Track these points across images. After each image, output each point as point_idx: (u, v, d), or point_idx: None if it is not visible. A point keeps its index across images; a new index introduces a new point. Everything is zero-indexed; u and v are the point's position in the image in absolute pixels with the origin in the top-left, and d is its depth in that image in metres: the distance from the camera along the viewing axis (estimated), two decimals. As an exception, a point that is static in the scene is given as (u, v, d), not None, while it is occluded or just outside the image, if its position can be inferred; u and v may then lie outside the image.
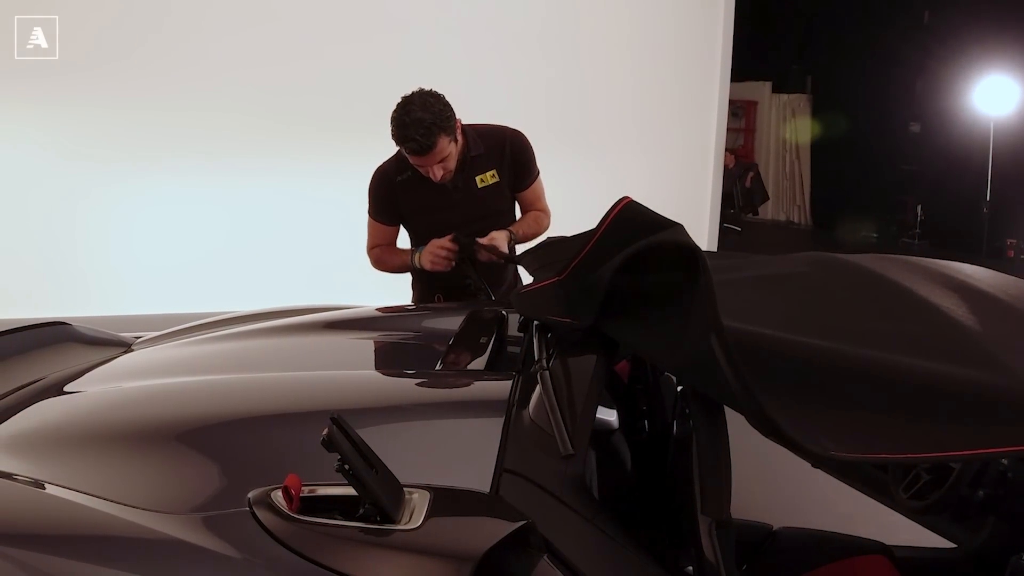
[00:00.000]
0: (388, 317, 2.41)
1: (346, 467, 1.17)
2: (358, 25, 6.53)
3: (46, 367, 2.05)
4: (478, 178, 3.19)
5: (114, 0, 6.18)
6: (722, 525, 1.33)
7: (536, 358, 1.47)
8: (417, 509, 1.21)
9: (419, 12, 6.64)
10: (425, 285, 3.42)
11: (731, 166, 13.86)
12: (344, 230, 6.46)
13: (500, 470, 1.33)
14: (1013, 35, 10.59)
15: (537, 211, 3.40)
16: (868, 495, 2.69)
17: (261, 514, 1.23)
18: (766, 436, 1.15)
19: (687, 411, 1.53)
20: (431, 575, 1.14)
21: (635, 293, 1.38)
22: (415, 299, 3.51)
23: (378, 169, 3.30)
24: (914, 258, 1.94)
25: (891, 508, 2.56)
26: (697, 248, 1.23)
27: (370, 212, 3.35)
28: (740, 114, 16.11)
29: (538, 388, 1.41)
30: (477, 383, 1.59)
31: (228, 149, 6.41)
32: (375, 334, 2.25)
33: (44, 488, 1.34)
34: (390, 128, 2.99)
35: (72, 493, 1.31)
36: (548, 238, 1.72)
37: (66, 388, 1.91)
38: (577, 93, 7.04)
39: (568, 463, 1.31)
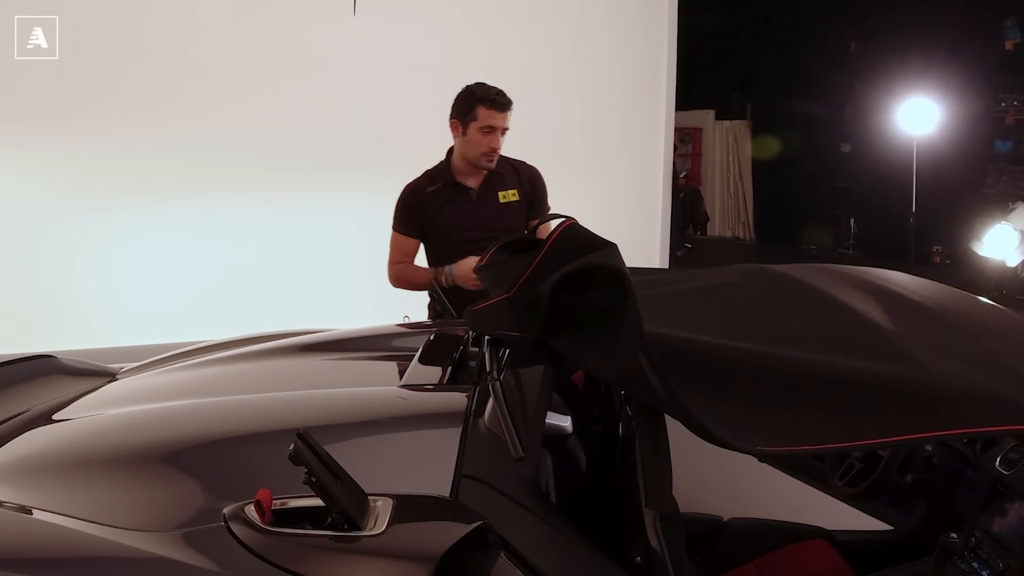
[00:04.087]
0: (359, 338, 2.41)
1: (312, 479, 1.17)
2: (350, 61, 6.47)
3: (33, 399, 2.00)
4: (500, 194, 3.27)
5: (114, 0, 5.98)
6: (666, 517, 1.34)
7: (487, 370, 1.48)
8: (381, 515, 1.21)
9: (391, 56, 6.61)
10: (447, 301, 3.35)
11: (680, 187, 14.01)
12: (327, 259, 6.50)
13: (459, 476, 1.34)
14: (932, 60, 10.81)
15: None
16: (812, 486, 2.72)
17: (236, 528, 1.22)
18: (699, 436, 1.17)
19: (630, 414, 1.54)
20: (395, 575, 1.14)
21: (574, 310, 1.40)
22: (431, 317, 3.48)
23: (408, 185, 3.35)
24: (837, 266, 1.98)
25: (832, 496, 2.59)
26: (623, 271, 1.25)
27: (395, 227, 3.37)
28: (687, 140, 16.29)
29: (491, 398, 1.42)
30: (437, 396, 1.59)
31: (214, 181, 6.25)
32: (345, 355, 2.25)
33: (31, 513, 1.32)
34: (467, 93, 3.22)
35: (57, 517, 1.30)
36: (498, 249, 1.70)
37: (54, 417, 1.88)
38: (527, 125, 7.03)
39: (522, 466, 1.32)
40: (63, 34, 5.69)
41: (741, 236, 15.35)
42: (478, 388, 1.55)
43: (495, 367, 1.49)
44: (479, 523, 1.18)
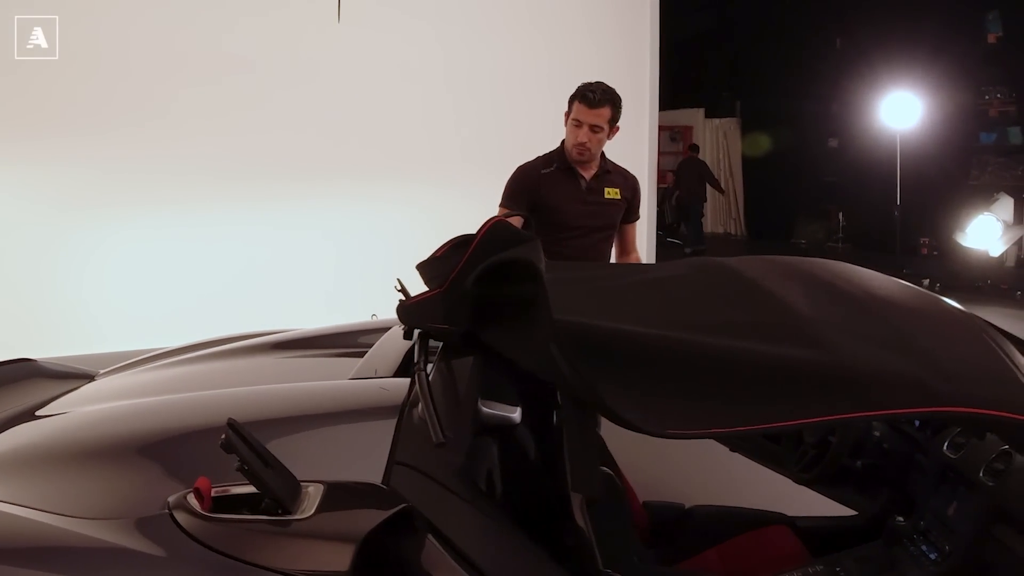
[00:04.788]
0: (325, 336, 2.45)
1: (244, 467, 1.21)
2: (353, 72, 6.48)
3: (13, 402, 2.03)
4: (607, 189, 3.39)
5: (114, 0, 5.91)
6: (592, 501, 1.37)
7: (415, 362, 1.52)
8: (311, 500, 1.24)
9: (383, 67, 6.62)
10: None
11: (670, 184, 14.03)
12: (317, 263, 6.50)
13: (392, 463, 1.38)
14: (915, 55, 10.84)
15: (636, 255, 3.65)
16: (779, 472, 2.74)
17: (177, 514, 1.26)
18: (611, 421, 1.20)
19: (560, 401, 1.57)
20: (322, 558, 1.18)
21: (497, 303, 1.44)
22: None
23: (521, 166, 3.46)
24: (786, 258, 2.00)
25: (793, 482, 2.62)
26: (536, 264, 1.28)
27: (503, 203, 3.45)
28: (677, 138, 16.31)
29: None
30: (379, 388, 1.63)
31: (205, 184, 6.18)
32: (309, 352, 2.29)
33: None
34: (577, 88, 3.32)
35: (15, 507, 1.34)
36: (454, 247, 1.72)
37: (37, 413, 1.92)
38: (513, 125, 6.98)
39: (451, 453, 1.36)
40: (63, 34, 5.65)
41: (733, 232, 15.40)
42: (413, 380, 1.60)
43: (423, 359, 1.53)
44: (403, 506, 1.22)
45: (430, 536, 1.25)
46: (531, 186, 3.36)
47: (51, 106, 5.82)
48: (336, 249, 6.41)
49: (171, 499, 1.29)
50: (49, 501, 1.36)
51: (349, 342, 2.36)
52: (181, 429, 1.53)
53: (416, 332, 1.58)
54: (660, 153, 16.06)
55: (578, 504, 1.41)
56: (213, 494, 1.27)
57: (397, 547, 1.22)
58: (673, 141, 16.32)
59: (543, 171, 3.37)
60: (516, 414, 1.89)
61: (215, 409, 1.33)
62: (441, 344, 1.60)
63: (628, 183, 3.48)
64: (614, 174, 3.44)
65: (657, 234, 12.22)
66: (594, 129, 3.25)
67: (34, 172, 5.86)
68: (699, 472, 3.65)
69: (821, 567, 2.18)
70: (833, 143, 13.24)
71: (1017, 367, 1.35)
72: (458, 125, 6.77)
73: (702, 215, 13.90)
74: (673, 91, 15.93)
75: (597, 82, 3.32)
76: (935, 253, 11.05)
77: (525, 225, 2.88)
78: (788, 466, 2.51)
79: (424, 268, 1.57)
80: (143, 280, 6.09)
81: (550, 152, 3.44)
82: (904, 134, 10.37)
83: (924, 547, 2.15)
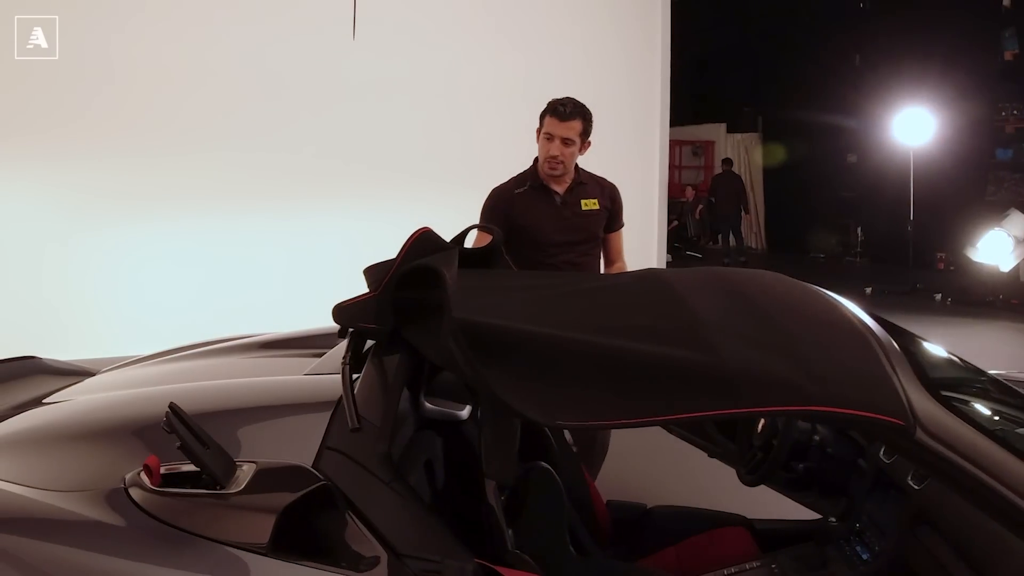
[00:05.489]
0: (306, 337, 2.58)
1: (182, 445, 1.35)
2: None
3: (16, 396, 2.15)
4: (583, 201, 3.41)
5: (114, 0, 5.92)
6: (504, 487, 1.49)
7: (343, 358, 1.65)
8: (243, 477, 1.39)
9: (413, 82, 6.74)
10: None
11: (690, 199, 14.07)
12: (331, 267, 6.59)
13: (323, 448, 1.51)
14: (931, 72, 10.85)
15: (621, 264, 3.63)
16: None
17: (131, 489, 1.41)
18: (506, 411, 1.32)
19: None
20: (248, 527, 1.32)
21: (414, 305, 1.57)
22: None
23: (495, 188, 3.48)
24: (724, 269, 2.09)
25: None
26: (440, 271, 1.41)
27: (479, 223, 3.46)
28: (700, 153, 16.38)
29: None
30: (325, 382, 1.77)
31: (214, 189, 6.19)
32: (287, 351, 2.43)
33: None
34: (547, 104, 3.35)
35: (6, 484, 1.50)
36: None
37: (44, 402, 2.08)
38: (528, 141, 7.12)
39: (380, 442, 1.49)
40: (63, 34, 5.66)
41: (753, 245, 15.39)
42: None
43: (350, 354, 1.66)
44: (321, 484, 1.36)
45: (348, 512, 1.38)
46: (504, 208, 3.37)
47: (51, 106, 5.80)
48: (350, 256, 6.53)
49: (127, 476, 1.44)
50: (29, 477, 1.52)
51: (326, 343, 2.50)
52: (145, 417, 1.68)
53: (349, 331, 1.72)
54: (682, 167, 16.24)
55: (491, 489, 1.53)
56: (163, 471, 1.41)
57: (315, 520, 1.36)
58: (695, 155, 16.39)
59: (516, 191, 3.39)
60: (464, 412, 2.02)
61: (178, 400, 1.47)
62: (374, 343, 1.74)
63: (605, 191, 3.48)
64: (589, 185, 3.45)
65: (674, 246, 12.35)
66: (566, 142, 3.28)
67: (34, 172, 5.87)
68: (664, 474, 3.75)
69: (758, 563, 2.28)
70: (852, 158, 13.26)
71: (897, 373, 1.44)
72: (469, 141, 6.87)
73: (739, 227, 13.98)
74: (696, 106, 16.09)
75: (567, 97, 3.35)
76: (951, 268, 11.01)
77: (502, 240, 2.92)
78: (737, 468, 2.60)
79: (368, 273, 1.71)
80: (143, 282, 6.07)
81: (523, 172, 3.45)
82: (921, 150, 10.36)
83: (858, 547, 2.23)
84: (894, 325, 1.87)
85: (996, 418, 1.83)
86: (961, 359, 2.08)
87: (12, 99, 5.74)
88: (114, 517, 1.38)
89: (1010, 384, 2.14)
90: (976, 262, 9.15)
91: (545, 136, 3.33)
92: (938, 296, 9.52)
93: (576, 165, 3.43)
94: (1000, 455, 1.35)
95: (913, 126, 10.23)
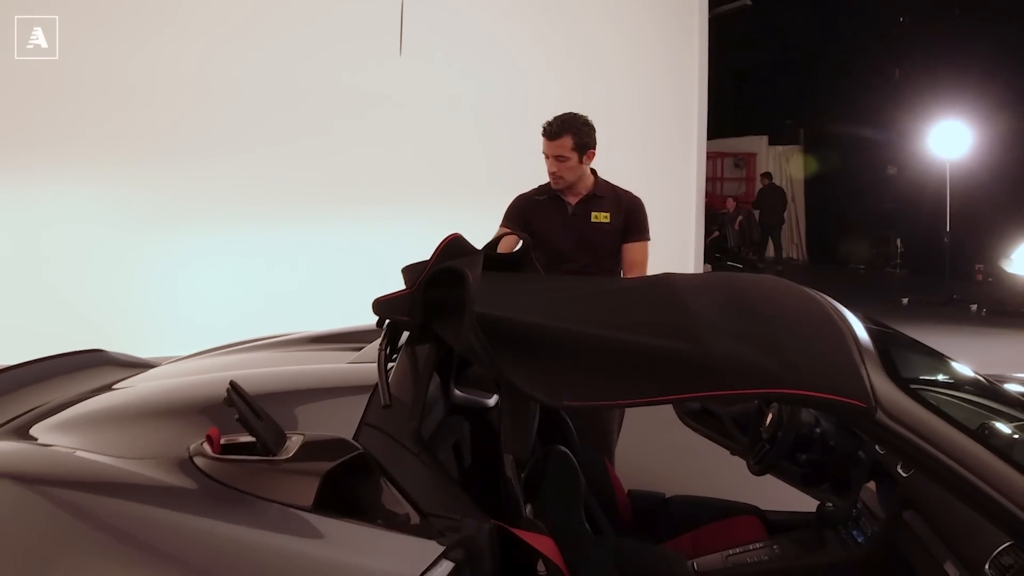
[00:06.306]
0: (354, 332, 2.79)
1: (240, 418, 1.56)
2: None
3: (85, 384, 2.34)
4: (594, 214, 3.49)
5: (114, 0, 5.91)
6: (521, 462, 1.68)
7: (380, 346, 1.86)
8: (292, 446, 1.59)
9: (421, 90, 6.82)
10: None
11: (731, 210, 14.13)
12: (359, 279, 6.74)
13: (361, 424, 1.72)
14: (970, 85, 10.83)
15: (639, 274, 3.61)
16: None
17: (195, 457, 1.62)
18: (518, 393, 1.51)
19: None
20: (295, 489, 1.52)
21: (444, 302, 1.77)
22: None
23: (520, 194, 3.63)
24: (728, 275, 2.27)
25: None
26: (463, 272, 1.61)
27: (502, 224, 3.60)
28: (741, 165, 16.42)
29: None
30: (364, 369, 1.98)
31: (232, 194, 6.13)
32: (335, 345, 2.65)
33: (75, 452, 1.75)
34: None
35: (89, 453, 1.72)
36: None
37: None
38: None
39: (413, 421, 1.69)
40: (63, 34, 5.64)
41: (795, 256, 15.40)
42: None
43: (386, 342, 1.87)
44: (359, 452, 1.56)
45: (382, 478, 1.59)
46: (523, 213, 3.51)
47: (51, 106, 5.77)
48: (397, 257, 6.74)
49: (191, 446, 1.66)
50: (106, 447, 1.74)
51: (366, 339, 2.71)
52: (206, 397, 1.90)
53: (386, 322, 1.93)
54: (723, 179, 16.30)
55: (509, 463, 1.74)
56: (223, 441, 1.63)
57: (353, 483, 1.57)
58: (737, 167, 16.44)
59: (535, 198, 3.53)
60: (491, 400, 2.22)
61: (242, 383, 1.68)
62: (407, 333, 1.95)
63: (622, 204, 3.52)
64: (606, 198, 3.51)
65: (715, 256, 12.43)
66: (559, 159, 3.38)
67: (34, 172, 5.83)
68: (684, 467, 3.89)
69: (761, 544, 2.44)
70: (892, 170, 13.24)
71: (865, 364, 1.60)
72: (510, 153, 7.06)
73: (779, 238, 14.09)
74: (738, 119, 16.16)
75: (559, 115, 3.42)
76: (989, 280, 10.95)
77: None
78: (747, 459, 2.75)
79: (406, 272, 1.92)
80: (143, 284, 6.05)
81: (546, 182, 3.55)
82: (959, 162, 10.36)
83: (854, 531, 2.39)
84: (886, 327, 2.03)
85: (965, 407, 1.97)
86: (956, 362, 2.21)
87: (12, 99, 5.73)
88: (181, 480, 1.58)
89: (1000, 384, 2.28)
90: (1011, 273, 9.13)
91: (544, 155, 3.45)
92: (973, 307, 9.50)
93: (596, 177, 3.54)
94: (953, 435, 1.51)
95: (951, 138, 10.23)
